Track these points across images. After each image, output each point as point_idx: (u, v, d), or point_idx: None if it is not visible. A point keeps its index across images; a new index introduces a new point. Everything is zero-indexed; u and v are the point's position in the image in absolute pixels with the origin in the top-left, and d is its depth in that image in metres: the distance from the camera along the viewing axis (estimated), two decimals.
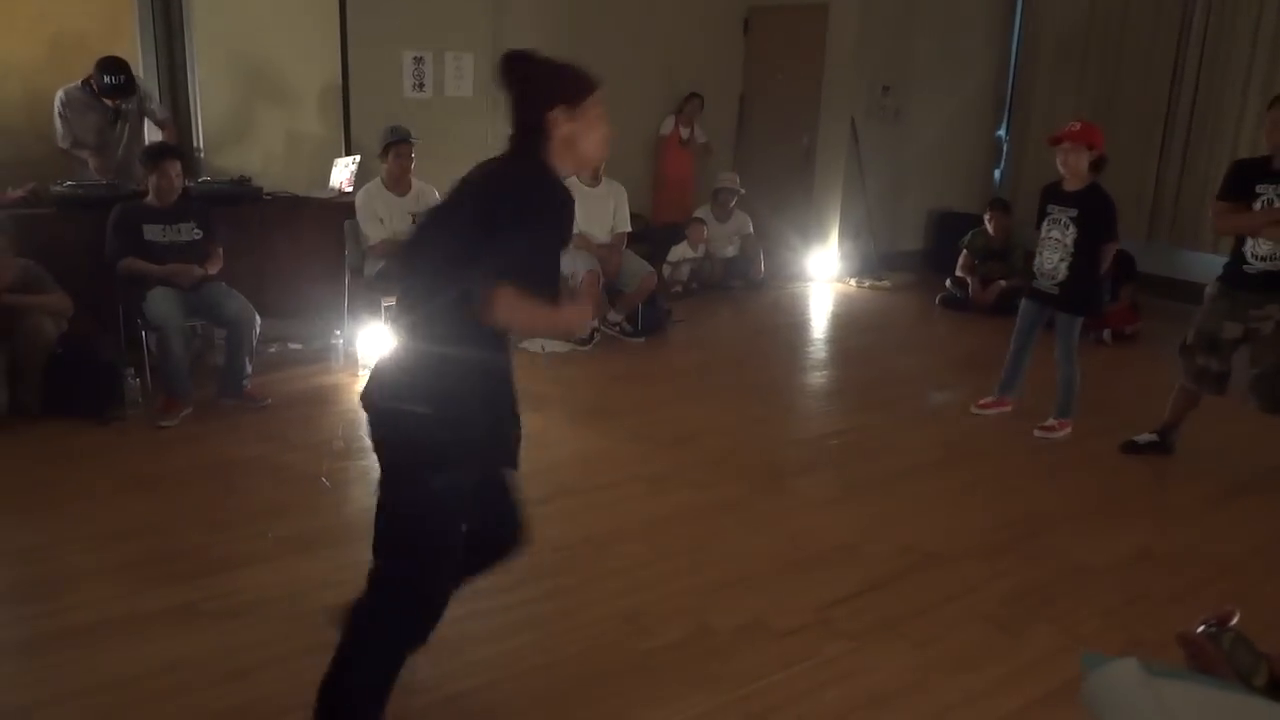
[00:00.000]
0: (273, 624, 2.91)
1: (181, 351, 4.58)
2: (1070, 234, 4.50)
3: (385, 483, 2.20)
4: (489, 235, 2.05)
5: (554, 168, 2.16)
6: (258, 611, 2.98)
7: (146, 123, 6.12)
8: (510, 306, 2.03)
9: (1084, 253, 4.49)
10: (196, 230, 4.83)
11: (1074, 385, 4.69)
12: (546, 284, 2.13)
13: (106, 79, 5.63)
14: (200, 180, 5.77)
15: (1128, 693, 0.79)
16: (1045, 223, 4.63)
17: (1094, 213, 4.47)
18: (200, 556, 3.30)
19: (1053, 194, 4.63)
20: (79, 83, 5.76)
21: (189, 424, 4.52)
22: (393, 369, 2.20)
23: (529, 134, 2.16)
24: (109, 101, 5.74)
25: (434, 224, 2.27)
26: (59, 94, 5.77)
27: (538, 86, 2.19)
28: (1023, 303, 4.85)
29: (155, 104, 6.16)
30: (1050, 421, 4.75)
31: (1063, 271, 4.54)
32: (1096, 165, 4.48)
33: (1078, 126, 4.50)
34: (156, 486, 3.90)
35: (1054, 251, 4.57)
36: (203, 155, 6.79)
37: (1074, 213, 4.50)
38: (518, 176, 2.15)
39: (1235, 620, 0.89)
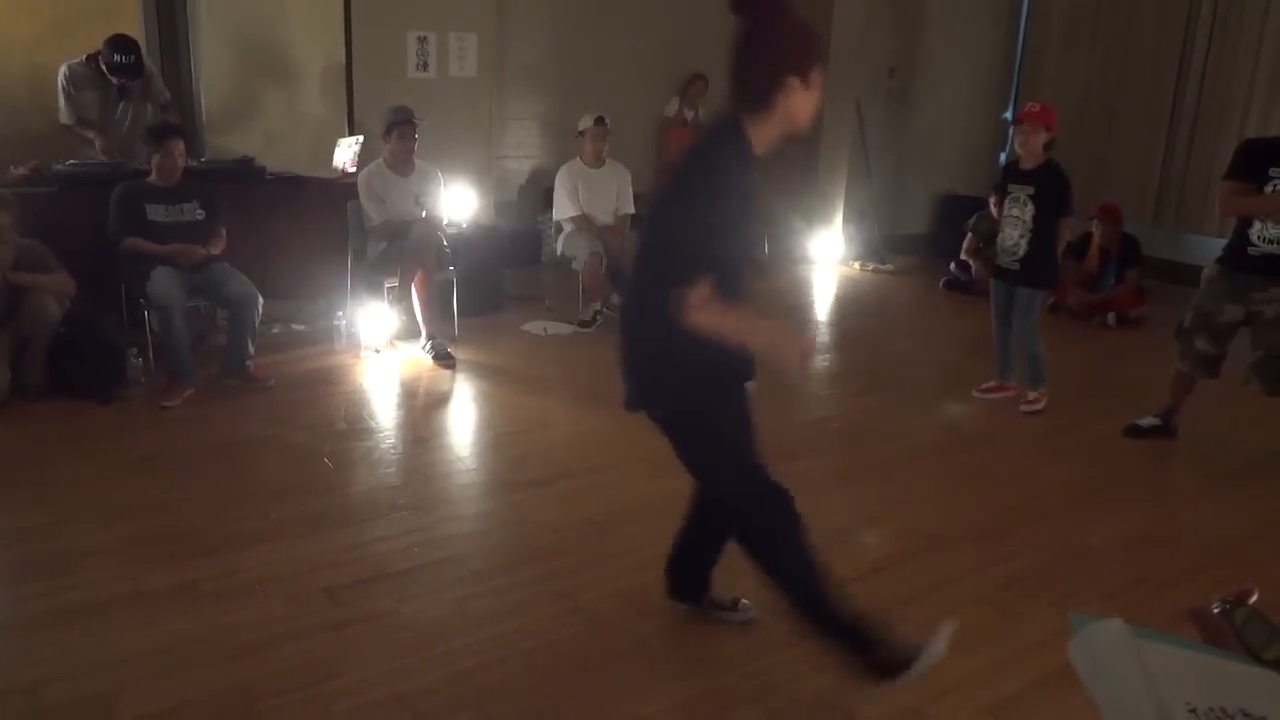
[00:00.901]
0: (275, 604, 2.93)
1: (184, 332, 4.59)
2: (1029, 210, 4.60)
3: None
4: (672, 219, 2.11)
5: (747, 132, 2.14)
6: (260, 591, 2.99)
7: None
8: (700, 308, 2.05)
9: (1042, 228, 4.58)
10: (199, 210, 4.82)
11: (1040, 357, 4.78)
12: (729, 268, 2.12)
13: (117, 57, 5.57)
14: (203, 160, 5.75)
15: (1110, 652, 0.79)
16: (1006, 201, 4.72)
17: (1050, 189, 4.56)
18: (203, 536, 3.31)
19: (1011, 172, 4.74)
20: (83, 58, 5.72)
21: (191, 404, 4.53)
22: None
23: (753, 96, 2.14)
24: (115, 80, 5.71)
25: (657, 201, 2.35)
26: (62, 69, 5.73)
27: (782, 46, 2.13)
28: (991, 282, 4.94)
29: (160, 85, 6.13)
30: (1030, 395, 4.85)
31: (1023, 248, 4.63)
32: (1048, 144, 4.57)
33: (1037, 108, 4.61)
34: (159, 466, 3.91)
35: (1014, 228, 4.67)
36: (205, 134, 6.78)
37: (1031, 190, 4.59)
38: (700, 145, 2.18)
39: (1254, 599, 0.88)
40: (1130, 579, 3.28)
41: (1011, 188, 4.70)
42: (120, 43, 5.61)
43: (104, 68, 5.63)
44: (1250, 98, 7.27)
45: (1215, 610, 0.87)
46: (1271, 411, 4.35)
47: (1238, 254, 4.16)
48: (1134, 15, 7.92)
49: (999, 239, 4.82)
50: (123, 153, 5.72)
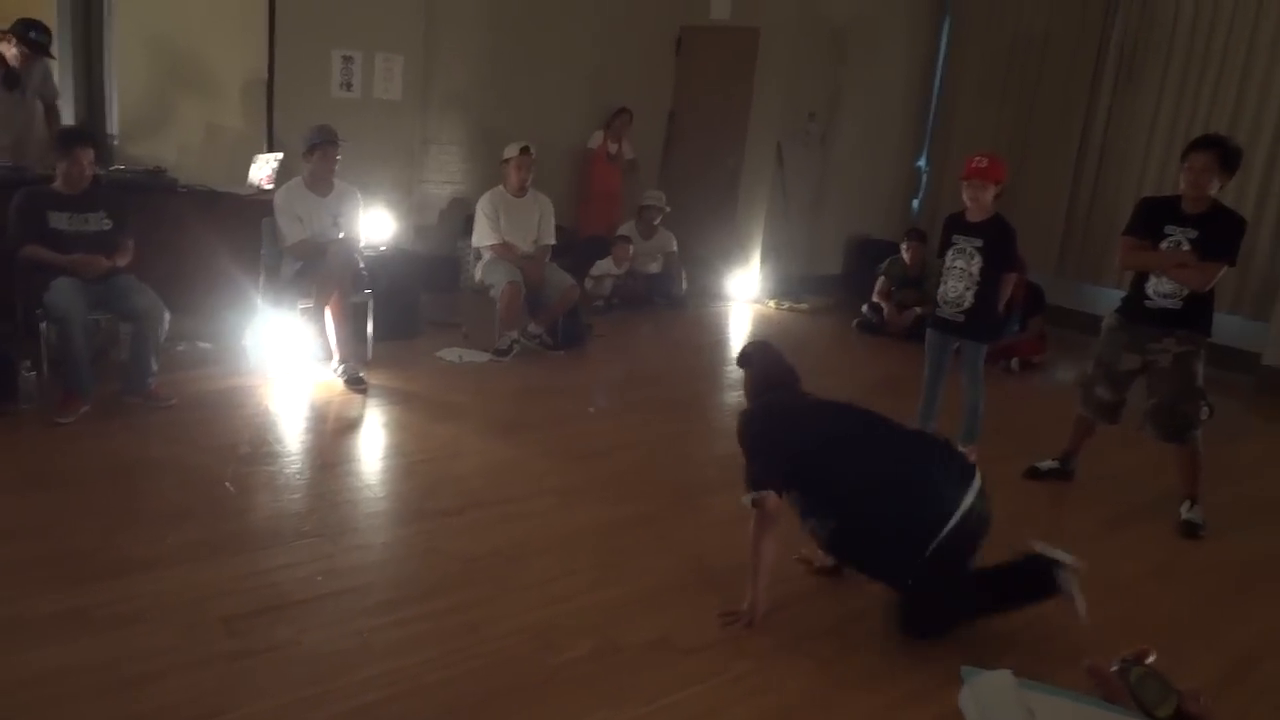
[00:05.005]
0: (169, 632, 2.82)
1: (83, 345, 4.42)
2: (976, 263, 4.59)
3: None
4: None
5: None
6: (153, 619, 2.88)
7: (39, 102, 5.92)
8: None
9: (988, 281, 4.60)
10: (106, 220, 4.66)
11: (980, 411, 4.80)
12: None
13: (32, 34, 5.57)
14: (112, 168, 5.59)
15: (998, 703, 0.82)
16: (950, 252, 4.70)
17: (998, 243, 4.58)
18: (94, 560, 3.19)
19: (957, 224, 4.70)
20: None
21: (88, 421, 4.36)
22: None
23: None
24: (30, 51, 5.64)
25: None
26: None
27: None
28: (928, 333, 4.91)
29: (54, 83, 5.95)
30: (961, 449, 4.83)
31: (969, 300, 4.62)
32: (998, 195, 4.59)
33: (984, 164, 4.55)
34: (50, 486, 3.75)
35: (959, 280, 4.64)
36: (116, 142, 6.59)
37: (979, 243, 4.58)
38: None
39: (1151, 659, 0.91)
40: (1026, 618, 3.36)
41: (957, 239, 4.65)
42: (35, 22, 5.63)
43: (18, 43, 5.57)
44: (1148, 157, 7.63)
45: (1113, 669, 0.90)
46: (1164, 456, 4.52)
47: (1135, 306, 4.35)
48: (1042, 75, 8.27)
49: (940, 290, 4.74)
50: (15, 153, 5.53)
